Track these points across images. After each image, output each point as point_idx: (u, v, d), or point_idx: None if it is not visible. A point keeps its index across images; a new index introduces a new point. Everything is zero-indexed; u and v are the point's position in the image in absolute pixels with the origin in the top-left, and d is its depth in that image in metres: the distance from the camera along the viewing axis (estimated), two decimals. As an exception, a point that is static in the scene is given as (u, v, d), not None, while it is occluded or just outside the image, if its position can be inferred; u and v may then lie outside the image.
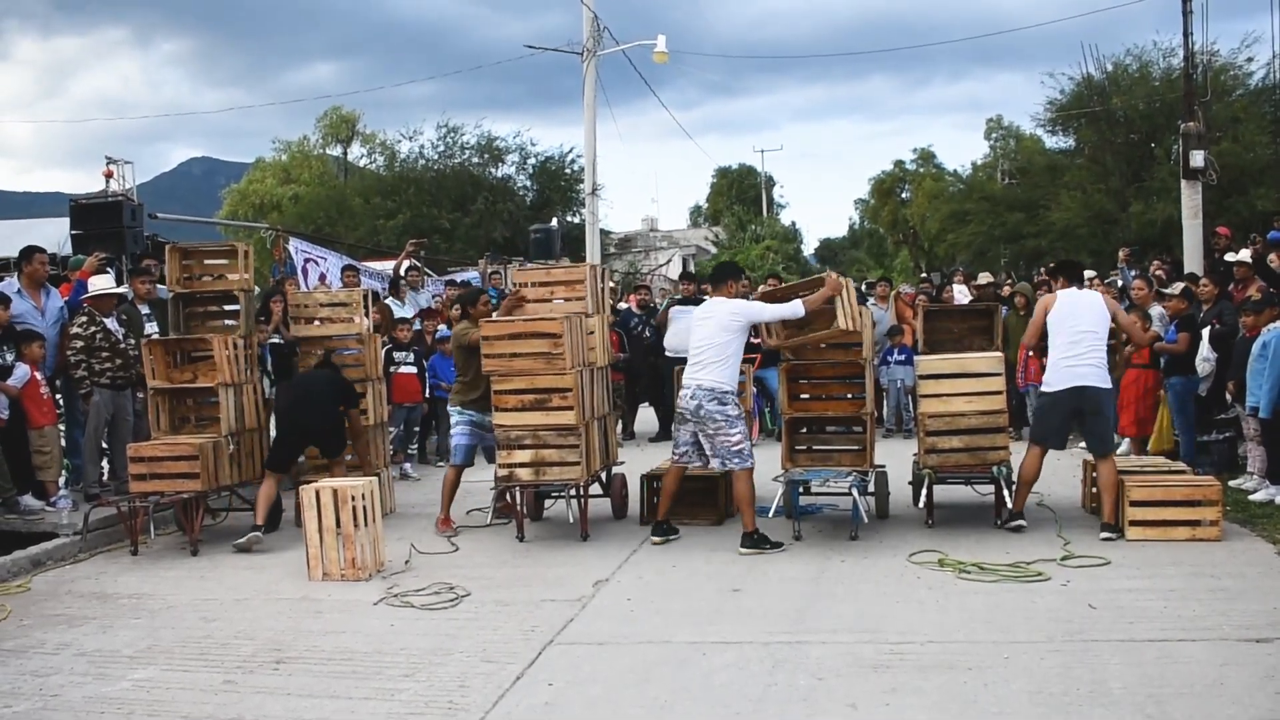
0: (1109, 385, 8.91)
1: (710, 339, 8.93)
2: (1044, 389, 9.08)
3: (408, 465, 13.57)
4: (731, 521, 9.78)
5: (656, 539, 9.21)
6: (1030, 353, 11.27)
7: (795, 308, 8.96)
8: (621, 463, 10.65)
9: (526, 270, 10.16)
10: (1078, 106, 33.79)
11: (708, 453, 8.96)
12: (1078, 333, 8.81)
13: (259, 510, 9.65)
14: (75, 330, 10.45)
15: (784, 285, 11.82)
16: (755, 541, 8.71)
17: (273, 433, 10.69)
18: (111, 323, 10.62)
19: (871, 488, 9.60)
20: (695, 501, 9.93)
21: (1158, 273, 15.21)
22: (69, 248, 15.12)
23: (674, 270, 47.05)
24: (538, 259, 19.93)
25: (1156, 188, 29.74)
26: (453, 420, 9.97)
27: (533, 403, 9.21)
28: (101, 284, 10.80)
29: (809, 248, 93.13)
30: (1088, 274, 16.03)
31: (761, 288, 12.84)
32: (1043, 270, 21.52)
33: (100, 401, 10.44)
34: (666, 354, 14.62)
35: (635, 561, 8.64)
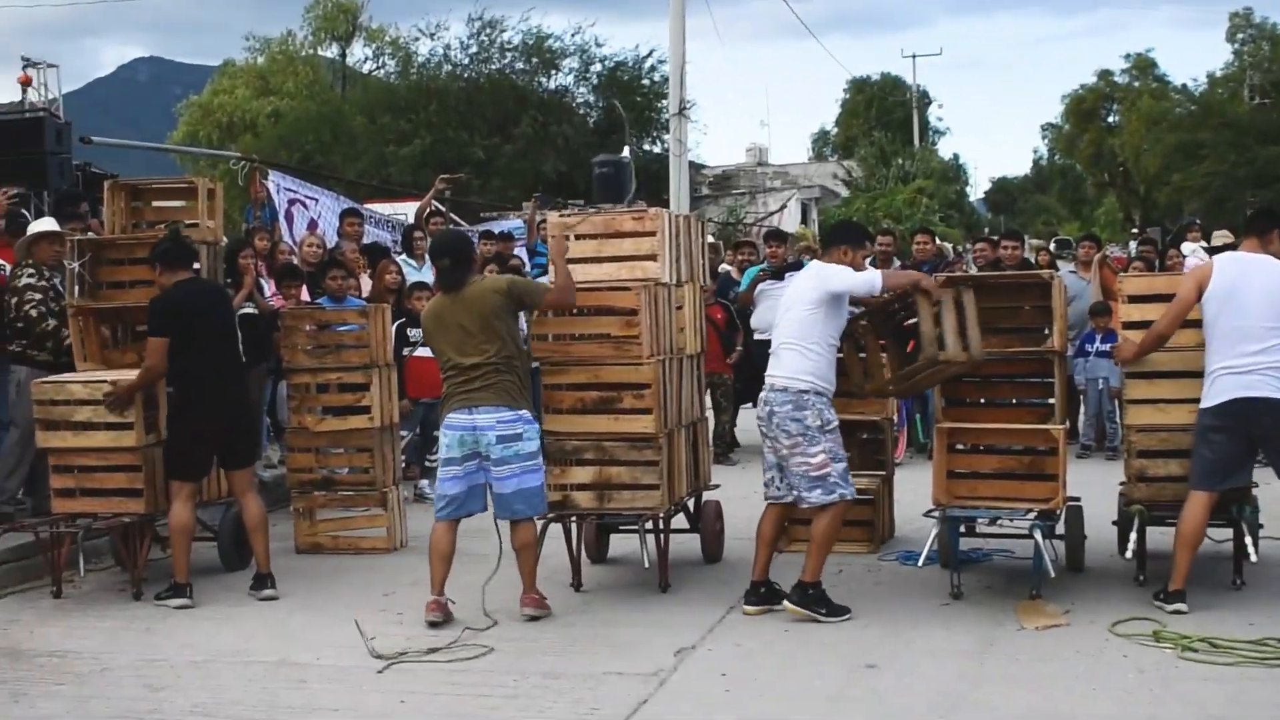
0: None
1: (788, 319, 8.83)
2: (1202, 405, 8.66)
3: (424, 483, 13.61)
4: (888, 562, 9.92)
5: (750, 609, 8.92)
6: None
7: (871, 280, 8.80)
8: (716, 486, 10.67)
9: (571, 217, 10.06)
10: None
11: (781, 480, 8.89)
12: (1250, 324, 8.41)
13: (177, 558, 9.49)
14: (26, 281, 10.60)
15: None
16: (809, 600, 8.59)
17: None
18: (60, 282, 10.71)
19: (1061, 529, 9.52)
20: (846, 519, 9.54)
21: None
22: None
23: (792, 220, 46.94)
24: (603, 202, 19.90)
25: None
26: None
27: (597, 403, 9.23)
28: (43, 224, 10.98)
29: (977, 190, 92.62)
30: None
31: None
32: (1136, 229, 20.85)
33: (23, 383, 10.55)
34: (756, 337, 14.59)
35: (733, 622, 8.66)
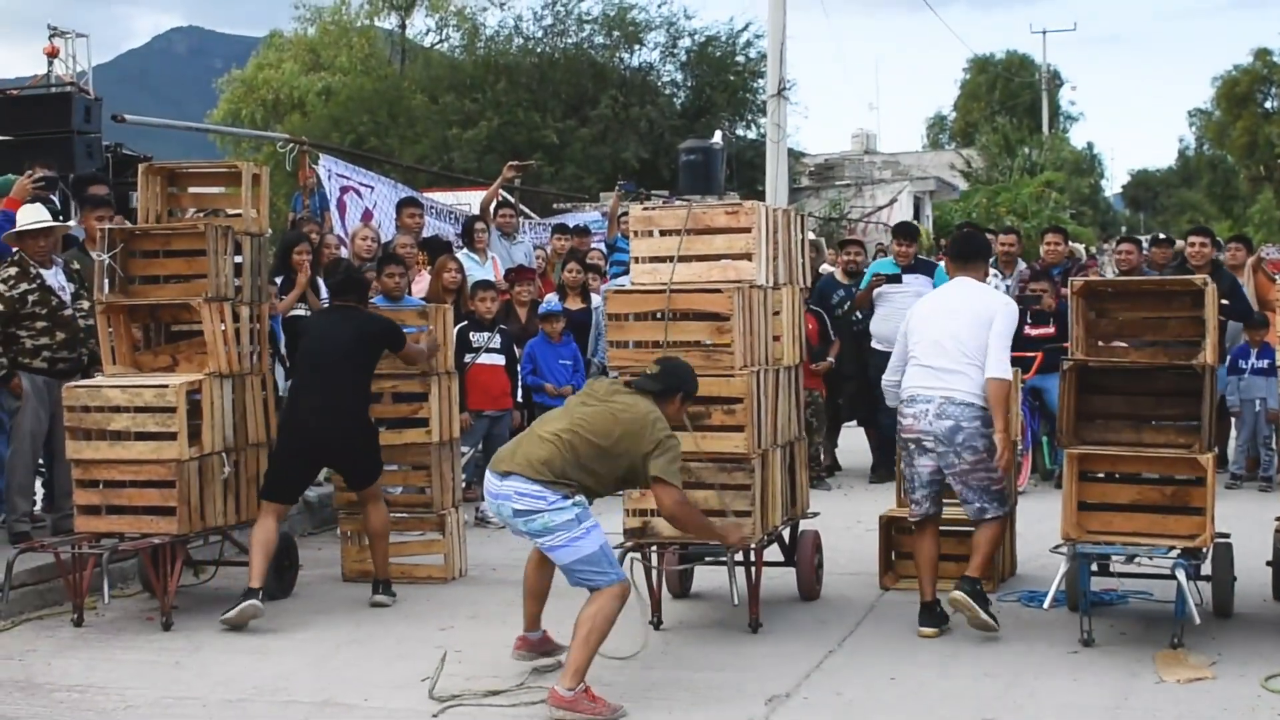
0: None
1: (967, 336, 9.36)
2: None
3: (486, 505, 13.66)
4: (1009, 602, 10.03)
5: (927, 631, 9.43)
6: None
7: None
8: (815, 514, 10.66)
9: (655, 212, 10.06)
10: None
11: (958, 493, 9.45)
12: None
13: (254, 566, 9.79)
14: None
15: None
16: (978, 594, 9.20)
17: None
18: (54, 277, 10.86)
19: (1207, 569, 9.44)
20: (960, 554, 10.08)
21: None
22: (-10, 161, 15.48)
23: (901, 215, 46.77)
24: (691, 195, 19.87)
25: None
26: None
27: (682, 418, 9.25)
28: (33, 216, 10.94)
29: (1114, 185, 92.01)
30: None
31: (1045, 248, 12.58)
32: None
33: (34, 395, 10.70)
34: (874, 346, 14.56)
35: (832, 669, 8.64)
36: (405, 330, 11.11)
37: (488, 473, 8.26)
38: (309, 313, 11.99)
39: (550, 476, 7.83)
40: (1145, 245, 18.12)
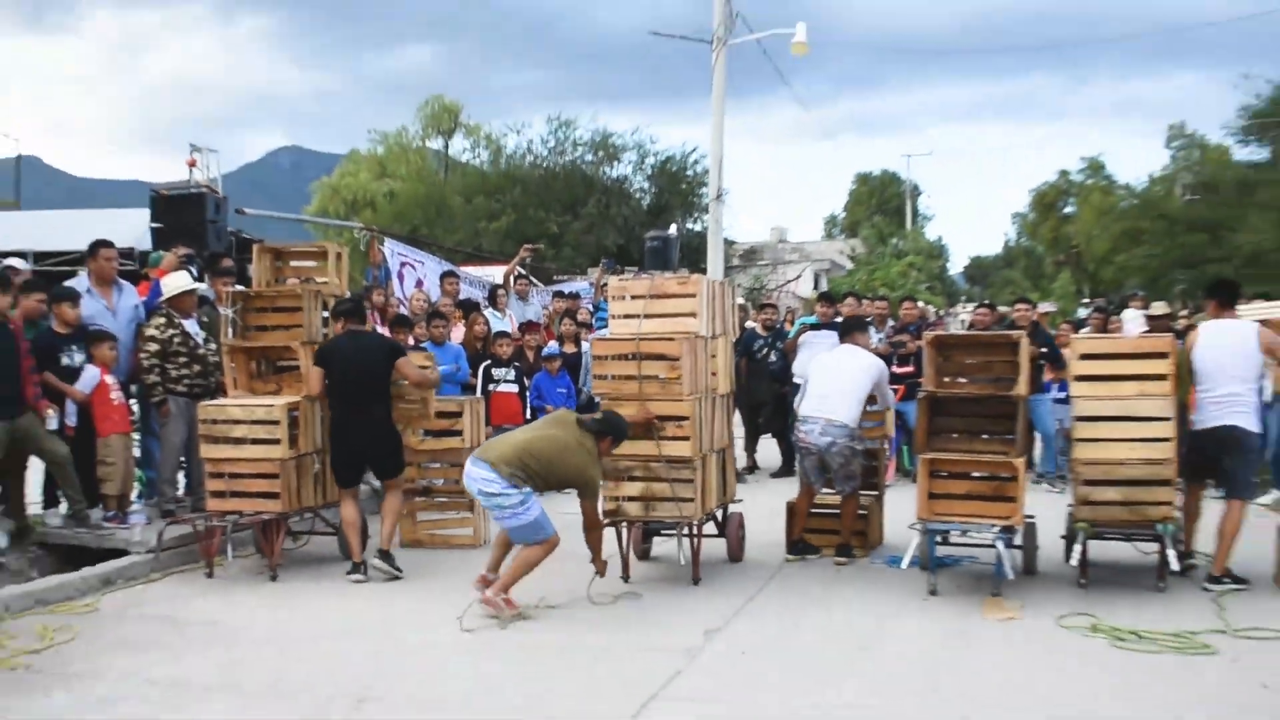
0: (1257, 429, 9.24)
1: (851, 380, 10.21)
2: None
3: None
4: (878, 564, 10.09)
5: (791, 557, 10.36)
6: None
7: (888, 399, 10.81)
8: (740, 500, 10.71)
9: (627, 282, 10.17)
10: (1276, 114, 32.95)
11: (833, 479, 10.29)
12: (1223, 373, 9.16)
13: (350, 543, 9.81)
14: (150, 333, 10.69)
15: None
16: (848, 550, 10.34)
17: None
18: (191, 326, 10.90)
19: (1018, 541, 9.50)
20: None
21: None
22: (148, 241, 15.45)
23: (804, 286, 46.91)
24: (653, 269, 20.02)
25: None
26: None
27: (645, 431, 9.32)
28: (177, 282, 10.98)
29: (956, 265, 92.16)
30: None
31: (899, 307, 12.76)
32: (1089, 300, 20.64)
33: (177, 412, 10.71)
34: (795, 381, 14.64)
35: (752, 610, 8.68)
36: (446, 369, 11.19)
37: (472, 458, 8.61)
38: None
39: (507, 472, 8.31)
40: (973, 310, 18.21)
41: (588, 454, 8.63)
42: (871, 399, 10.37)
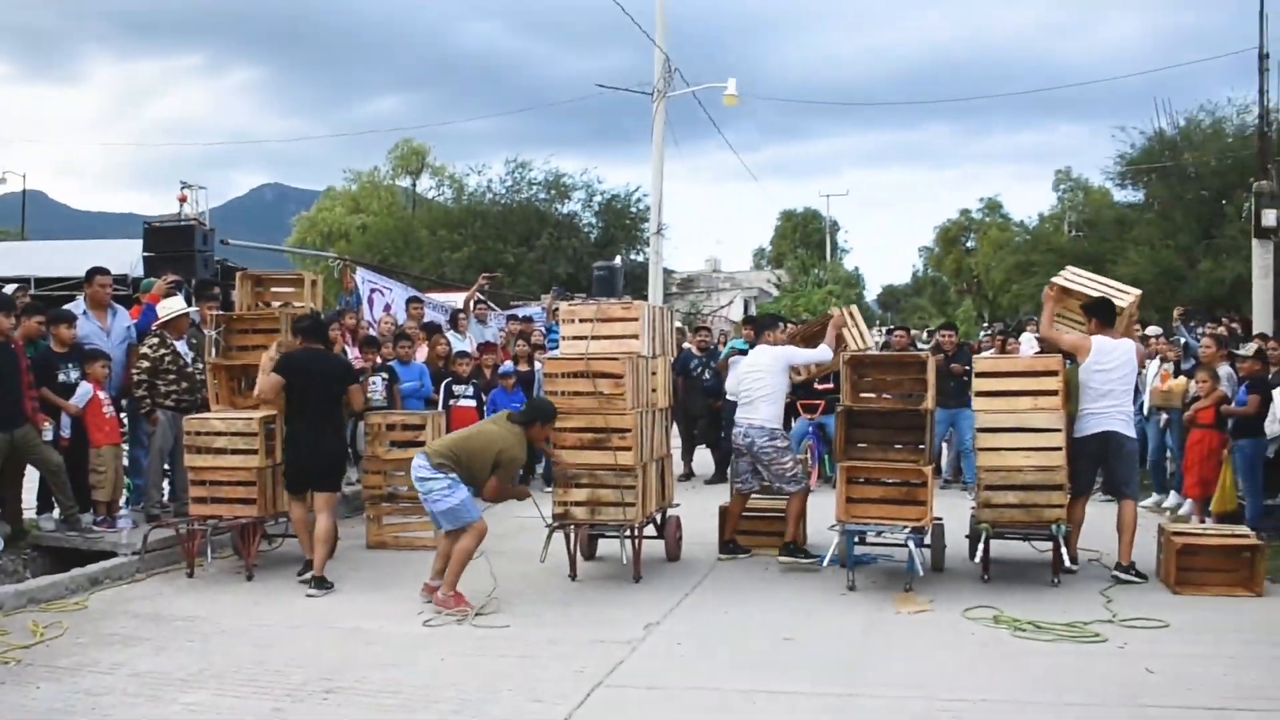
0: (1134, 435, 9.51)
1: (759, 382, 9.97)
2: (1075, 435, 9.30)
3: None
4: (796, 570, 9.84)
5: (723, 556, 10.22)
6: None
7: (824, 353, 10.14)
8: (677, 504, 10.61)
9: (576, 306, 10.13)
10: (1148, 161, 33.45)
11: (766, 480, 10.04)
12: (1108, 383, 9.21)
13: (303, 541, 9.43)
14: (144, 351, 10.55)
15: (801, 325, 12.45)
16: (792, 551, 9.88)
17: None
18: (182, 346, 10.73)
19: (928, 540, 9.49)
20: (768, 531, 10.54)
21: (1219, 331, 14.80)
22: (140, 269, 15.31)
23: (736, 312, 47.00)
24: (600, 296, 19.97)
25: (1226, 245, 29.27)
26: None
27: (592, 441, 9.22)
28: (173, 306, 10.88)
29: (871, 293, 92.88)
30: (1151, 330, 15.79)
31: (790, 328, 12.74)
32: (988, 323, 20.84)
33: (165, 423, 10.54)
34: (728, 398, 14.59)
35: (688, 605, 8.59)
36: (410, 385, 11.04)
37: (417, 452, 8.66)
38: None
39: (436, 461, 8.36)
40: (888, 333, 18.29)
41: (514, 438, 8.58)
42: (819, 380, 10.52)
